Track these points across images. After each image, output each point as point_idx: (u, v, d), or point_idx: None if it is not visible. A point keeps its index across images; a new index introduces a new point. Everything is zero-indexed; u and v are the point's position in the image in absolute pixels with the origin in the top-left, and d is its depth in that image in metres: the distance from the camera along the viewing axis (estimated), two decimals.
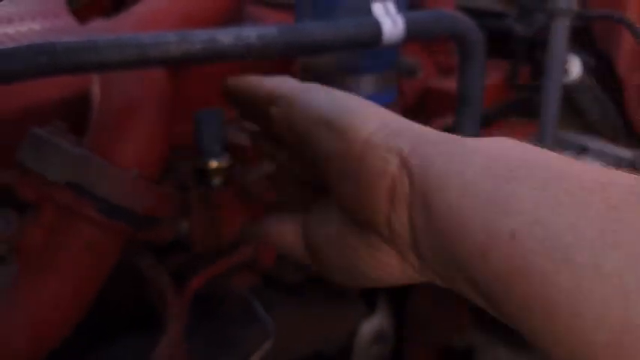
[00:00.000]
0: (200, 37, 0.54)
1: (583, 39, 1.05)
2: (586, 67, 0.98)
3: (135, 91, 0.60)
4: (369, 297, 0.94)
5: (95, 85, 0.60)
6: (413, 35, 0.62)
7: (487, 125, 0.89)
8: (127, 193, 0.56)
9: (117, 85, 0.60)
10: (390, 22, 0.60)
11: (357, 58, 0.70)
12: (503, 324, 0.26)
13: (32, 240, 0.55)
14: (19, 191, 0.54)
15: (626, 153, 0.86)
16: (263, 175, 0.76)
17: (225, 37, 0.54)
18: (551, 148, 0.66)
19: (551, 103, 0.67)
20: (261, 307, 0.76)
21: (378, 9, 0.62)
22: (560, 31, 0.68)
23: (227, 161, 0.72)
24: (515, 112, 0.95)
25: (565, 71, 0.76)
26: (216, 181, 0.72)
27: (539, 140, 0.68)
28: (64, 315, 0.58)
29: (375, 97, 0.74)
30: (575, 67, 0.77)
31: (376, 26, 0.59)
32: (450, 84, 0.83)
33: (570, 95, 0.87)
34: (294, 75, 0.76)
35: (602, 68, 1.03)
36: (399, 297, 1.01)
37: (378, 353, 0.94)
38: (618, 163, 0.86)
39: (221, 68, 0.81)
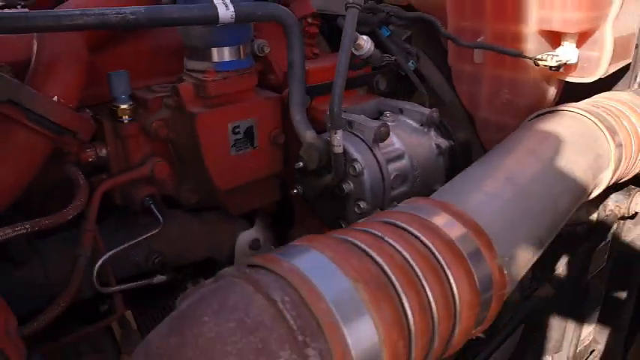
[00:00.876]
0: (94, 12, 0.81)
1: (433, 38, 1.33)
2: (416, 57, 1.27)
3: (58, 50, 0.88)
4: (250, 217, 1.21)
5: (34, 46, 0.88)
6: (243, 18, 0.91)
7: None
8: (48, 109, 0.83)
9: (47, 46, 0.88)
10: (224, 8, 0.88)
11: (218, 34, 0.98)
12: None
13: None
14: None
15: (425, 110, 1.13)
16: (160, 118, 1.03)
17: (111, 13, 0.82)
18: (340, 102, 0.93)
19: (342, 67, 0.93)
20: (156, 211, 1.03)
21: (216, 0, 0.89)
22: (350, 17, 0.95)
23: (131, 105, 1.00)
24: (358, 85, 1.23)
25: (360, 47, 1.03)
26: (124, 119, 1.00)
27: (333, 96, 0.93)
28: (7, 192, 0.85)
29: (234, 63, 1.02)
30: (366, 44, 1.04)
31: (214, 10, 0.87)
32: (310, 65, 1.11)
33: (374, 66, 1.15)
34: None
35: (443, 59, 1.32)
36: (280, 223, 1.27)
37: None
38: (420, 117, 1.14)
39: (134, 48, 1.09)
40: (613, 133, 1.00)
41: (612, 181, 1.05)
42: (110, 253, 0.93)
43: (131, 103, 1.00)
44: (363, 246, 0.57)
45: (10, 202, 0.86)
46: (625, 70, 1.27)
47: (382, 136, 1.03)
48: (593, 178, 0.93)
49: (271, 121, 1.09)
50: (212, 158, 1.03)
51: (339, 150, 0.97)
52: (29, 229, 0.79)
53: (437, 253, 0.60)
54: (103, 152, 1.02)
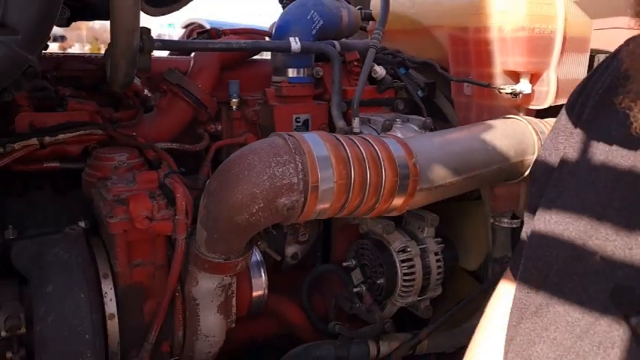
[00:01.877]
0: (224, 42, 1.47)
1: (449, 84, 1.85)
2: (421, 87, 1.80)
3: (204, 63, 1.54)
4: None
5: (191, 61, 1.55)
6: (305, 49, 1.52)
7: (364, 106, 1.72)
8: (196, 91, 1.48)
9: (198, 60, 1.55)
10: (295, 43, 1.50)
11: (291, 60, 1.60)
12: None
13: (162, 103, 1.47)
14: (160, 87, 1.48)
15: (422, 119, 1.64)
16: (254, 110, 1.64)
17: (233, 42, 1.47)
18: (358, 100, 1.51)
19: (362, 81, 1.48)
20: None
21: (291, 39, 1.51)
22: (370, 53, 1.52)
23: (239, 100, 1.62)
24: (384, 104, 1.78)
25: (375, 72, 1.59)
26: (234, 107, 1.62)
27: (354, 97, 1.48)
28: (168, 133, 1.49)
29: (299, 78, 1.63)
30: (380, 70, 1.60)
31: (288, 44, 1.50)
32: (350, 88, 1.69)
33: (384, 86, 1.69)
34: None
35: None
36: None
37: None
38: (419, 123, 1.64)
39: (247, 72, 1.74)
40: (540, 132, 1.44)
41: None
42: None
43: (239, 99, 1.63)
44: (342, 141, 1.11)
45: (168, 140, 1.50)
46: None
47: (387, 127, 1.55)
48: (516, 154, 1.38)
49: (321, 118, 1.67)
50: None
51: (357, 131, 1.51)
52: (179, 147, 1.42)
53: (379, 152, 1.12)
54: (219, 127, 1.64)
